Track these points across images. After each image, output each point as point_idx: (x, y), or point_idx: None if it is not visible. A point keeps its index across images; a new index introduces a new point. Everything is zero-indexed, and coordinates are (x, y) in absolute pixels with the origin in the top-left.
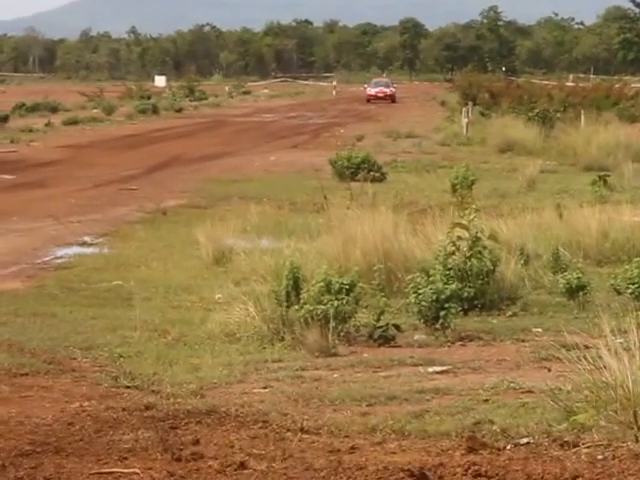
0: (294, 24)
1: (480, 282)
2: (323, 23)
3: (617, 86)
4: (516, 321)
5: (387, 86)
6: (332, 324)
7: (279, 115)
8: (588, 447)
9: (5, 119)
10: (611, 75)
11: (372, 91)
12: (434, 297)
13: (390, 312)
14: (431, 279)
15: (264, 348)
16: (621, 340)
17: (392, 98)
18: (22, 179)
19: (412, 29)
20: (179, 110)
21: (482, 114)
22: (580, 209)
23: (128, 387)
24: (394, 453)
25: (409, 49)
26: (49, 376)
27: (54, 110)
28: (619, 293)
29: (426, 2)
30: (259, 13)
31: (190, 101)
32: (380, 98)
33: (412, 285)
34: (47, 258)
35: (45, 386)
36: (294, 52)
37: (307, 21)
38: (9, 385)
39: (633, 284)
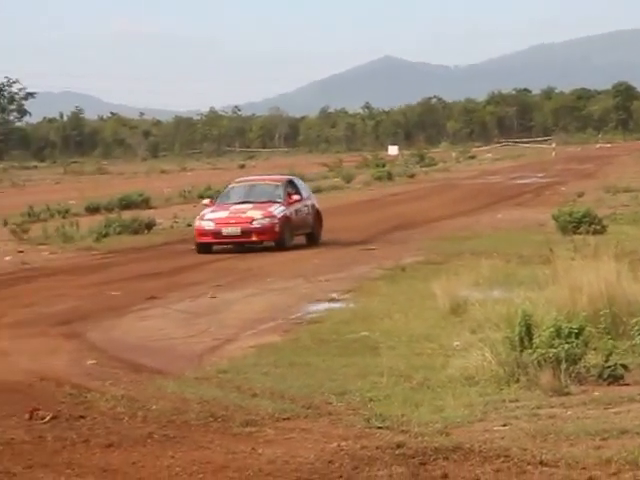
0: (514, 92)
1: None
2: (541, 90)
3: None
4: None
5: None
6: (564, 366)
7: (503, 176)
8: None
9: None
10: None
11: None
12: None
13: (617, 353)
14: None
15: (501, 389)
16: None
17: None
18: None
19: (624, 92)
20: (411, 176)
21: None
22: None
23: (380, 427)
24: None
25: (622, 110)
26: (308, 419)
27: None
28: None
29: (637, 64)
30: (480, 84)
31: (421, 167)
32: None
33: (637, 327)
34: (300, 314)
35: (305, 428)
36: (514, 118)
37: (526, 89)
38: (273, 428)
39: None
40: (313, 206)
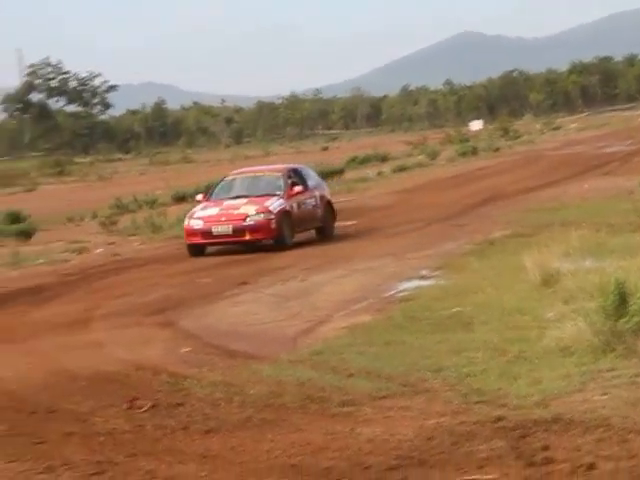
0: (595, 61)
1: None
2: (623, 57)
3: None
4: None
5: None
6: None
7: (588, 146)
8: None
9: (341, 172)
10: None
11: None
12: None
13: None
14: None
15: (597, 359)
16: None
17: None
18: (361, 224)
19: None
20: (496, 150)
21: None
22: None
23: (477, 402)
24: None
25: None
26: (405, 397)
27: (383, 160)
28: None
29: None
30: (560, 54)
31: (505, 140)
32: None
33: None
34: (391, 292)
35: (403, 406)
36: (597, 87)
37: (608, 57)
38: (371, 407)
39: None
40: (322, 197)
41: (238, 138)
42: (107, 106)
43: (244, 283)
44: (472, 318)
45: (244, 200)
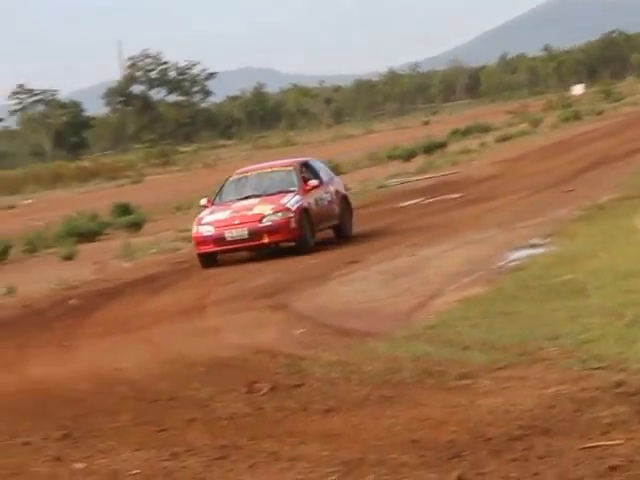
0: None
1: None
2: None
3: None
4: None
5: None
6: None
7: None
8: None
9: (444, 145)
10: None
11: None
12: None
13: None
14: None
15: None
16: None
17: None
18: (467, 196)
19: None
20: (599, 113)
21: None
22: None
23: (597, 368)
24: None
25: None
26: (523, 367)
27: (485, 130)
28: None
29: None
30: None
31: (608, 103)
32: None
33: None
34: (502, 263)
35: (521, 376)
36: None
37: None
38: (489, 379)
39: None
40: (337, 192)
41: (338, 118)
42: (207, 94)
43: (353, 262)
44: (586, 284)
45: (256, 200)
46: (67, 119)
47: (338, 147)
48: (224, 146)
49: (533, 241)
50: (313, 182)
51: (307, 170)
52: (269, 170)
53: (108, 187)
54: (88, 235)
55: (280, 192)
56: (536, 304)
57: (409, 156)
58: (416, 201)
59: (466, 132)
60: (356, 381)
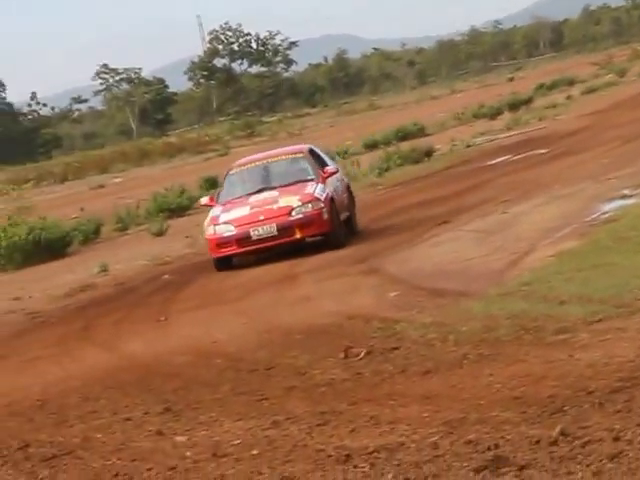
0: None
1: None
2: None
3: None
4: None
5: None
6: None
7: None
8: None
9: (529, 100)
10: None
11: None
12: None
13: None
14: None
15: None
16: None
17: None
18: (555, 151)
19: None
20: None
21: None
22: None
23: None
24: None
25: None
26: (620, 319)
27: (571, 83)
28: None
29: None
30: None
31: None
32: None
33: None
34: (594, 215)
35: (620, 328)
36: None
37: None
38: (587, 332)
39: None
40: (343, 180)
41: (422, 79)
42: (289, 63)
43: (444, 222)
44: None
45: (274, 192)
46: (151, 96)
47: (422, 109)
48: (308, 114)
49: (625, 192)
50: (330, 168)
51: (315, 157)
52: (276, 159)
53: (195, 162)
54: (178, 210)
55: (298, 182)
56: (631, 255)
57: (495, 114)
58: (504, 158)
59: (551, 86)
60: (453, 341)
